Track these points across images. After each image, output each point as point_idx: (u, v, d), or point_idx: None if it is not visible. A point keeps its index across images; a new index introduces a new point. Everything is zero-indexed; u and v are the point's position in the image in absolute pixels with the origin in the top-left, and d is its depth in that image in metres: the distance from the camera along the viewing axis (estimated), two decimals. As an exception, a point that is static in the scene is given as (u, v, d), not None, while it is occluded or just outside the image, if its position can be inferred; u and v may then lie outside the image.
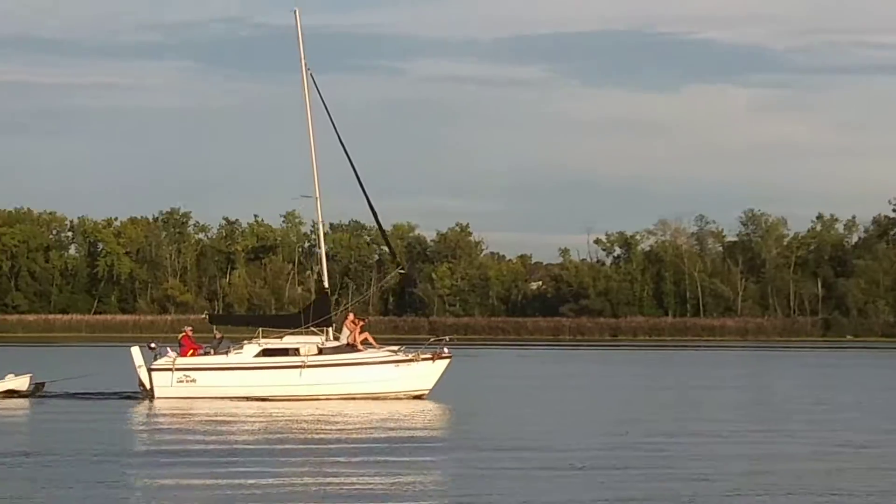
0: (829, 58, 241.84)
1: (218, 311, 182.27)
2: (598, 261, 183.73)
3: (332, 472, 27.21)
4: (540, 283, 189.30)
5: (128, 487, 25.20)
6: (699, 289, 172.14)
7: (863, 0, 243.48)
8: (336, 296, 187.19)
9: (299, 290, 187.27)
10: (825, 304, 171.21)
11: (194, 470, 27.58)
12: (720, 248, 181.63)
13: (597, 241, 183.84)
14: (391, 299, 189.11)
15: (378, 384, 48.37)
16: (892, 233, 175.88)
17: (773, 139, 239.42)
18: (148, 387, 48.17)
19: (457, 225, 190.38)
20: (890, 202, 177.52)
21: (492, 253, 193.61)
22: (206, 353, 48.95)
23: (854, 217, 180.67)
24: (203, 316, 59.44)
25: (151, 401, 47.23)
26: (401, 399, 48.02)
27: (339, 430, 37.68)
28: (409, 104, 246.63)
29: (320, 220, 53.16)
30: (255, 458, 30.12)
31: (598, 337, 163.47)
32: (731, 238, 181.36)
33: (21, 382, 49.27)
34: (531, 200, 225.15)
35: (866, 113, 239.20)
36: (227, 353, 48.81)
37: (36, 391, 49.36)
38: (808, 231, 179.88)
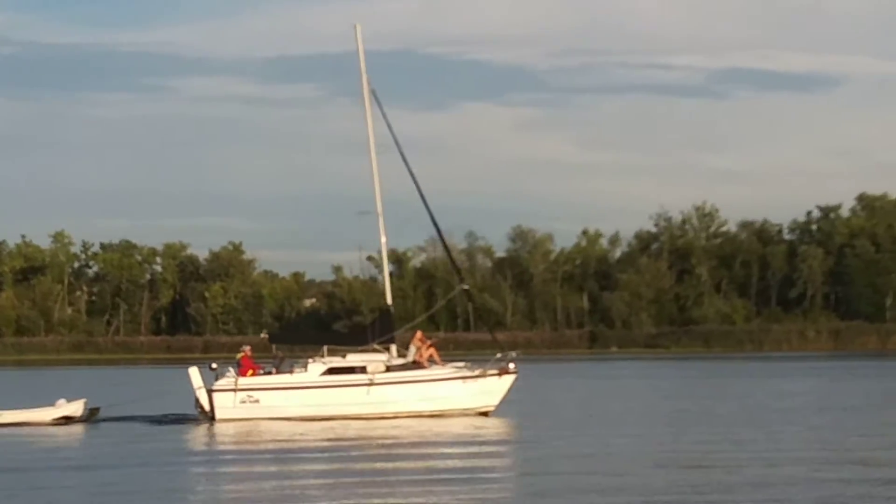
0: (590, 77, 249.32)
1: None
2: (370, 277, 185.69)
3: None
4: (314, 300, 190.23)
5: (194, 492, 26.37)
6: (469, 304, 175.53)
7: (621, 22, 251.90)
8: (107, 315, 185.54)
9: (69, 310, 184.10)
10: (591, 317, 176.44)
11: (261, 484, 28.22)
12: (489, 264, 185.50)
13: (369, 258, 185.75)
14: (164, 318, 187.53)
15: (445, 401, 47.57)
16: (653, 247, 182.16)
17: (538, 156, 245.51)
18: (207, 408, 46.66)
19: (229, 243, 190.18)
20: (651, 217, 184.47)
21: (265, 271, 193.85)
22: (268, 373, 47.72)
23: (617, 232, 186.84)
24: (263, 335, 57.25)
25: (212, 422, 45.83)
26: (468, 415, 47.17)
27: (412, 445, 37.52)
28: (180, 123, 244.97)
29: (382, 235, 51.87)
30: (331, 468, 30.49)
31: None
32: (500, 254, 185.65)
33: (75, 408, 47.70)
34: (304, 218, 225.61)
35: (627, 130, 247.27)
36: (290, 372, 47.53)
37: (91, 416, 47.76)
38: (574, 246, 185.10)
